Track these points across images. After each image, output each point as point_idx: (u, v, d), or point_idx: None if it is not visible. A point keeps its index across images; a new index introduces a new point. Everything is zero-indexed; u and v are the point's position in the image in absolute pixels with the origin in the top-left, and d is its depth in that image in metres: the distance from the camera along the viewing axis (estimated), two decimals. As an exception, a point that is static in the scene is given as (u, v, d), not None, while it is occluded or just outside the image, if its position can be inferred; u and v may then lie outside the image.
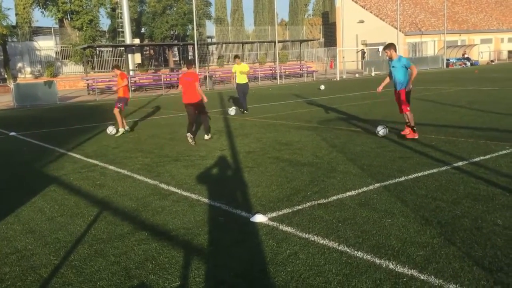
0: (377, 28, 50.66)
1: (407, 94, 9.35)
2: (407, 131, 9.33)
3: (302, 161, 7.87)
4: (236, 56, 15.74)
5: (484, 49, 53.26)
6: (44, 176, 7.99)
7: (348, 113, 13.93)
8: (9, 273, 4.17)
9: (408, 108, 9.27)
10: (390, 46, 9.31)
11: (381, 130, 9.65)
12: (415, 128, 9.28)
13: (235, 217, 5.34)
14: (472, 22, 57.58)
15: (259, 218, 5.12)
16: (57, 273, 4.11)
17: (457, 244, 4.19)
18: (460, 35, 54.14)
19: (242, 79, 15.36)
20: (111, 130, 12.45)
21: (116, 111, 12.47)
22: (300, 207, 5.47)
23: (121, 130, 12.41)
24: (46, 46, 42.09)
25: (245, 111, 15.37)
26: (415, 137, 9.15)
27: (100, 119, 16.44)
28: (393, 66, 9.31)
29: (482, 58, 51.28)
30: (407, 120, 9.30)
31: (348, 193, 5.89)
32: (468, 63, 44.52)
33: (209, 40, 54.19)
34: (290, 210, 5.39)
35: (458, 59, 45.39)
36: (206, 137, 10.57)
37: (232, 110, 15.10)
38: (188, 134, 10.16)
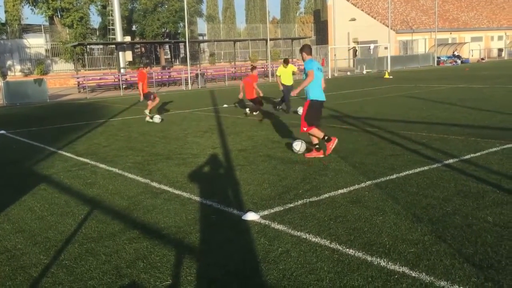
0: (369, 26, 50.79)
1: (309, 107, 7.91)
2: (313, 153, 7.94)
3: (294, 159, 7.87)
4: (285, 61, 14.78)
5: (474, 47, 53.62)
6: (34, 174, 7.93)
7: (340, 111, 13.95)
8: (-1, 273, 4.13)
9: (305, 129, 7.93)
10: (302, 48, 8.06)
11: (297, 146, 8.15)
12: (317, 147, 7.96)
13: (227, 215, 5.32)
14: (463, 20, 57.93)
15: (251, 216, 5.11)
16: (47, 272, 4.07)
17: (448, 241, 4.21)
18: (450, 33, 54.44)
19: (290, 80, 14.55)
20: (158, 118, 13.82)
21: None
22: (292, 205, 5.47)
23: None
24: (36, 43, 41.74)
25: (287, 111, 14.35)
26: (319, 155, 7.87)
27: (91, 117, 16.34)
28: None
29: (472, 56, 51.64)
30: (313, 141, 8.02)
31: (340, 191, 5.90)
32: (459, 61, 44.86)
33: (200, 38, 54.03)
34: (282, 208, 5.38)
35: (449, 57, 45.70)
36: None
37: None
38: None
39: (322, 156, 7.84)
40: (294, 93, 8.30)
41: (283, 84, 14.45)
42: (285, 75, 14.54)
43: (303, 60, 8.01)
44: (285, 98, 14.43)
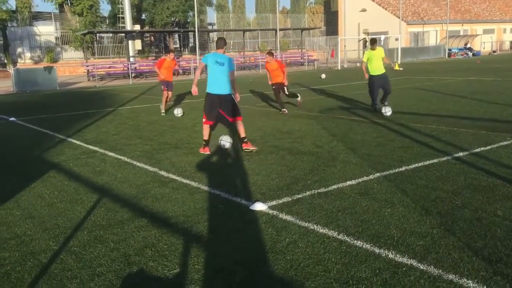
0: (379, 17, 50.34)
1: (204, 99, 8.02)
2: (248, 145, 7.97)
3: (302, 150, 7.85)
4: (373, 41, 11.76)
5: (486, 40, 53.00)
6: (43, 161, 7.98)
7: (349, 102, 13.89)
8: (9, 258, 4.17)
9: (204, 120, 8.11)
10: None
11: (224, 142, 8.15)
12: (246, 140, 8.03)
13: (235, 205, 5.33)
14: (475, 12, 57.22)
15: (259, 206, 5.11)
16: (56, 258, 4.11)
17: (457, 235, 4.19)
18: (462, 25, 53.81)
19: (381, 66, 11.53)
20: (178, 112, 12.87)
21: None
22: (300, 196, 5.46)
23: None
24: (46, 31, 41.85)
25: (377, 108, 11.59)
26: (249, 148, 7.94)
27: (100, 105, 16.40)
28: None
29: (484, 48, 51.05)
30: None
31: (348, 182, 5.88)
32: (470, 53, 44.35)
33: (210, 27, 53.87)
34: (290, 199, 5.38)
35: (460, 49, 45.20)
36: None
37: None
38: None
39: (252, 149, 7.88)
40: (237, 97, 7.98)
41: (374, 75, 11.54)
42: (375, 60, 11.47)
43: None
44: (373, 92, 11.57)
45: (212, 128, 8.36)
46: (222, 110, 7.91)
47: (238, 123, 7.99)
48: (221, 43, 8.12)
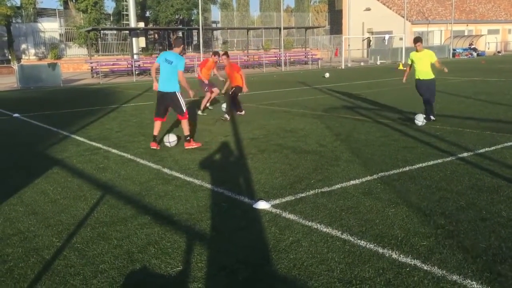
0: (384, 16, 50.20)
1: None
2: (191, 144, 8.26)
3: (306, 148, 7.84)
4: (417, 40, 10.16)
5: (491, 40, 52.80)
6: (47, 158, 7.99)
7: (353, 102, 13.86)
8: (12, 254, 4.17)
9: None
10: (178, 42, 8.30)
11: (167, 143, 8.37)
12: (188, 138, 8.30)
13: (238, 203, 5.32)
14: (480, 12, 57.01)
15: (262, 205, 5.11)
16: (59, 255, 4.11)
17: (461, 235, 4.17)
18: (467, 25, 53.62)
19: (429, 71, 10.02)
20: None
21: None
22: (303, 195, 5.45)
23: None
24: (51, 28, 41.92)
25: (433, 118, 9.87)
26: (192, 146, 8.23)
27: (103, 102, 16.41)
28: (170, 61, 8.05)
29: (488, 48, 50.86)
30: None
31: (352, 182, 5.86)
32: (475, 54, 44.19)
33: (214, 25, 53.83)
34: (293, 198, 5.37)
35: (465, 49, 45.04)
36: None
37: (419, 120, 9.46)
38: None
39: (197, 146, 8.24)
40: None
41: (418, 79, 10.03)
42: (421, 63, 9.96)
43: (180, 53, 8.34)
44: (426, 99, 9.97)
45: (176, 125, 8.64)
46: (171, 107, 8.27)
47: (182, 122, 8.27)
48: (176, 42, 8.34)
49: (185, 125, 8.26)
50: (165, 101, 8.21)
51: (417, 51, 10.11)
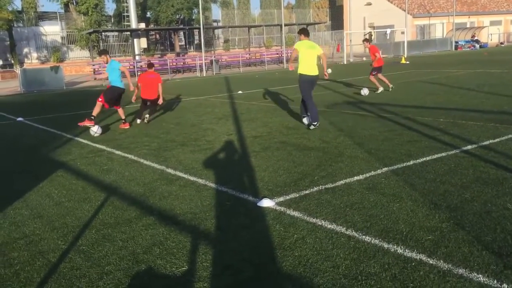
0: (385, 10, 50.03)
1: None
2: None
3: (309, 145, 7.82)
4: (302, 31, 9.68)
5: (493, 31, 52.54)
6: (51, 161, 8.01)
7: (355, 97, 13.82)
8: (18, 257, 4.19)
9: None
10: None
11: (92, 132, 10.15)
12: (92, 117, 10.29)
13: (242, 202, 5.32)
14: (482, 4, 56.71)
15: (266, 202, 5.10)
16: (65, 257, 4.12)
17: (466, 229, 4.15)
18: (469, 17, 53.37)
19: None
20: (365, 92, 14.08)
21: (371, 77, 14.84)
22: (307, 192, 5.44)
23: (380, 89, 14.47)
24: (52, 31, 42.06)
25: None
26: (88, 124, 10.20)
27: (106, 104, 16.40)
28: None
29: (491, 40, 50.65)
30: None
31: (356, 178, 5.85)
32: (477, 46, 44.00)
33: (215, 24, 53.81)
34: (298, 195, 5.36)
35: (467, 42, 44.86)
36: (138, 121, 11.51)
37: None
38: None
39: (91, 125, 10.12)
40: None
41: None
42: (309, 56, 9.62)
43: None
44: None
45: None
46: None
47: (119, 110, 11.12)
48: (101, 52, 11.41)
49: (120, 111, 11.10)
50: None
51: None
